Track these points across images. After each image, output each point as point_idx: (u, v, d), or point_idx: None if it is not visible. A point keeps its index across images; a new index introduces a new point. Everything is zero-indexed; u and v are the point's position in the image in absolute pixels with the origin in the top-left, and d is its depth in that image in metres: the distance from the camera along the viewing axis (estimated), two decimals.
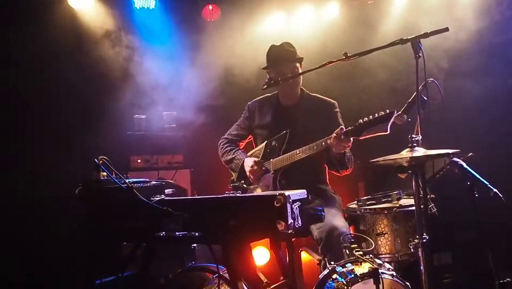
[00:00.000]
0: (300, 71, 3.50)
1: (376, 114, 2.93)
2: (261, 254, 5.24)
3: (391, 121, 2.87)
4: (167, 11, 5.42)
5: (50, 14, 4.76)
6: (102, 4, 5.12)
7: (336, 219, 3.13)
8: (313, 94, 3.67)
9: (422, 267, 2.63)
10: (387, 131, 2.88)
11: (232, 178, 3.71)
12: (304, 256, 4.07)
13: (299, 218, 2.30)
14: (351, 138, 3.04)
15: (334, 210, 3.28)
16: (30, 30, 4.58)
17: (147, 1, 5.32)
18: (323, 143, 3.14)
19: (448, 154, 2.56)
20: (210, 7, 5.62)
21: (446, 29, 2.73)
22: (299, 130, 3.43)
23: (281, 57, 3.50)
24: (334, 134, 3.05)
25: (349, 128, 3.03)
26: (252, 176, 3.52)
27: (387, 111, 2.89)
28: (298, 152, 3.28)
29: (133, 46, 5.17)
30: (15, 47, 4.52)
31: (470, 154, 3.28)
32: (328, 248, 2.99)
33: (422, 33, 2.73)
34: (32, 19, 4.59)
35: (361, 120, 2.98)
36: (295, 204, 2.28)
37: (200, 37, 5.37)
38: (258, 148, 3.67)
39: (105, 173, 2.82)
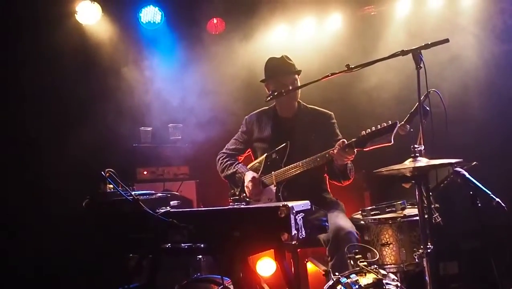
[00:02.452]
0: (299, 83, 3.53)
1: (379, 125, 2.96)
2: (267, 265, 5.24)
3: (395, 131, 2.90)
4: (172, 25, 5.50)
5: (58, 29, 4.84)
6: (109, 19, 5.21)
7: (341, 220, 3.17)
8: (310, 106, 3.70)
9: (427, 278, 2.63)
10: (390, 142, 2.91)
11: (231, 191, 3.68)
12: (310, 266, 4.07)
13: (303, 229, 2.31)
14: (355, 150, 3.07)
15: (337, 212, 3.32)
16: (38, 44, 4.66)
17: (153, 15, 5.41)
18: (327, 155, 3.16)
19: (451, 163, 2.57)
20: (215, 20, 5.69)
21: (447, 40, 2.77)
22: (298, 142, 3.46)
23: (282, 68, 3.54)
24: (338, 146, 3.07)
25: (353, 139, 3.06)
26: (247, 192, 3.51)
27: (390, 122, 2.93)
28: (300, 164, 3.30)
29: (140, 59, 5.24)
30: (23, 61, 4.60)
31: (474, 163, 3.29)
32: (336, 249, 3.02)
33: (423, 44, 2.77)
34: (41, 34, 4.67)
35: (364, 131, 3.01)
36: (298, 215, 2.30)
37: (205, 50, 5.43)
38: (258, 160, 3.68)
39: (111, 186, 2.86)
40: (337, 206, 3.46)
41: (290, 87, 3.44)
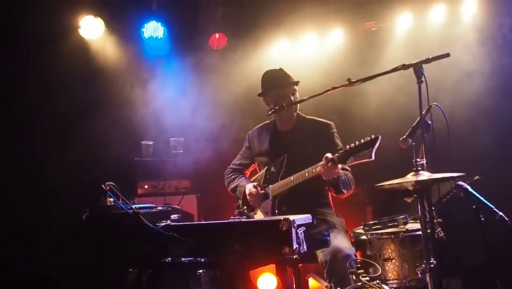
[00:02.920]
0: (297, 94, 3.53)
1: (362, 140, 2.93)
2: (268, 281, 5.20)
3: (376, 147, 2.86)
4: (175, 40, 5.55)
5: (61, 43, 4.89)
6: (112, 34, 5.26)
7: (340, 241, 3.11)
8: (308, 117, 3.69)
9: None
10: (371, 157, 2.87)
11: (237, 204, 3.74)
12: (312, 282, 4.03)
13: (304, 242, 2.30)
14: (339, 165, 3.04)
15: (336, 232, 3.25)
16: (41, 58, 4.70)
17: (155, 30, 5.46)
18: (313, 170, 3.15)
19: (453, 177, 2.56)
20: (217, 35, 5.75)
21: (447, 55, 2.78)
22: (296, 154, 3.44)
23: (281, 79, 3.54)
24: (321, 162, 3.06)
25: (336, 155, 3.03)
26: (251, 200, 3.53)
27: (373, 136, 2.90)
28: (292, 179, 3.30)
29: (142, 74, 5.28)
30: (28, 73, 4.64)
31: (477, 177, 3.28)
32: (334, 272, 2.97)
33: (424, 58, 2.78)
34: (44, 48, 4.71)
35: (348, 146, 3.00)
36: (300, 228, 2.28)
37: (207, 65, 5.47)
38: (259, 174, 3.71)
39: (112, 199, 2.85)
40: (335, 224, 3.38)
41: (292, 98, 3.45)
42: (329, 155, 3.05)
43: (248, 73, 5.25)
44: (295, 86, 3.56)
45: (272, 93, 3.55)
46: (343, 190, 3.26)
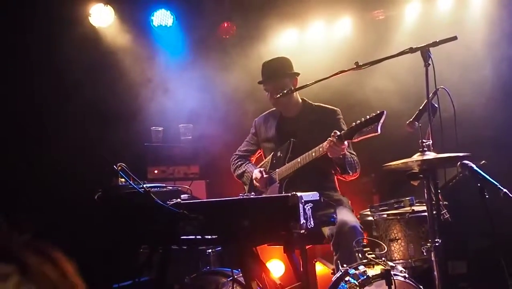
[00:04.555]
0: (291, 86, 3.53)
1: (367, 116, 2.98)
2: (275, 267, 5.25)
3: (381, 121, 2.91)
4: (184, 29, 5.59)
5: (72, 31, 4.94)
6: (122, 22, 5.30)
7: (344, 215, 3.17)
8: (315, 103, 3.72)
9: (435, 272, 2.64)
10: (377, 131, 2.92)
11: (245, 190, 3.77)
12: (319, 268, 4.07)
13: (311, 218, 2.35)
14: (345, 142, 3.09)
15: (342, 207, 3.31)
16: (52, 46, 4.77)
17: (165, 19, 5.51)
18: (320, 149, 3.19)
19: (458, 157, 2.59)
20: (226, 24, 5.79)
21: (455, 38, 2.79)
22: (302, 139, 3.48)
23: (272, 73, 3.60)
24: (328, 139, 3.11)
25: (342, 132, 3.09)
26: (258, 184, 3.58)
27: (378, 112, 2.95)
28: (299, 160, 3.34)
29: (152, 62, 5.33)
30: (38, 61, 4.71)
31: (483, 162, 3.30)
32: (340, 244, 3.03)
33: (431, 42, 2.80)
34: (54, 36, 4.78)
35: (354, 122, 3.04)
36: (307, 205, 2.33)
37: (216, 53, 5.51)
38: (266, 160, 3.76)
39: (123, 179, 2.92)
40: (341, 202, 3.45)
41: (280, 92, 3.45)
42: (336, 131, 3.11)
43: (257, 60, 5.24)
44: (288, 79, 3.57)
45: (267, 84, 3.63)
46: (349, 171, 3.30)
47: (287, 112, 3.72)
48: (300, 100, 3.70)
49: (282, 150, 3.55)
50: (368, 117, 2.97)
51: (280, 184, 3.48)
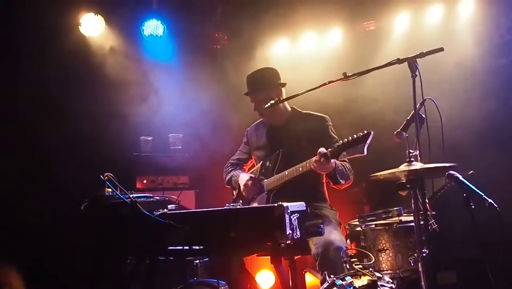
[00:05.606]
0: (274, 96, 3.51)
1: (355, 135, 2.95)
2: (266, 278, 5.23)
3: (368, 142, 2.88)
4: (175, 38, 5.61)
5: (62, 41, 4.94)
6: (113, 31, 5.31)
7: (331, 234, 3.12)
8: (304, 111, 3.72)
9: (423, 283, 2.63)
10: (363, 153, 2.89)
11: (233, 196, 3.77)
12: (310, 279, 4.05)
13: (297, 229, 2.33)
14: (332, 160, 3.08)
15: (328, 225, 3.25)
16: (42, 56, 4.75)
17: (156, 29, 5.52)
18: (307, 164, 3.18)
19: (445, 167, 2.60)
20: (217, 34, 5.81)
21: (441, 49, 2.81)
22: (291, 148, 3.48)
23: (255, 85, 3.62)
24: (315, 158, 3.09)
25: (329, 150, 3.06)
26: (245, 191, 3.56)
27: (365, 132, 2.92)
28: (286, 173, 3.33)
29: (142, 71, 5.32)
30: (28, 70, 4.69)
31: (471, 172, 3.31)
32: (326, 264, 2.99)
33: (418, 53, 2.82)
34: (44, 45, 4.77)
35: (341, 141, 3.03)
36: (293, 215, 2.32)
37: (207, 63, 5.53)
38: (255, 168, 3.76)
39: (110, 189, 2.90)
40: (328, 217, 3.38)
41: (263, 104, 3.44)
42: (322, 150, 3.08)
43: (248, 71, 5.25)
44: (271, 91, 3.56)
45: (250, 96, 3.66)
46: (341, 181, 3.28)
47: (275, 121, 3.73)
48: (290, 109, 3.70)
49: (271, 160, 3.55)
50: (355, 136, 2.94)
51: (267, 195, 3.47)
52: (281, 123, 3.70)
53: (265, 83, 3.60)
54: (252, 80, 3.67)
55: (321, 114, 3.68)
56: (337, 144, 3.04)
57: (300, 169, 3.22)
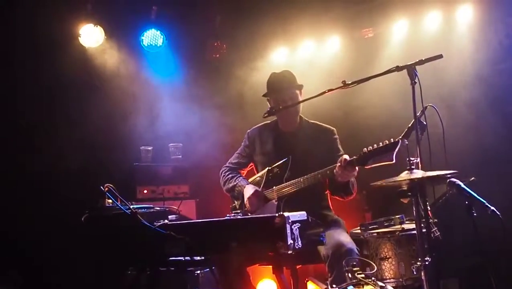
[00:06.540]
0: (300, 98, 3.55)
1: (381, 143, 2.92)
2: (268, 287, 5.20)
3: (396, 150, 2.86)
4: (174, 48, 5.62)
5: (61, 52, 4.95)
6: (112, 42, 5.32)
7: (342, 236, 3.13)
8: (311, 121, 3.70)
9: None
10: (392, 160, 2.86)
11: (233, 205, 3.68)
12: (311, 288, 4.02)
13: (299, 239, 2.32)
14: (356, 168, 3.06)
15: (339, 229, 3.27)
16: (41, 67, 4.77)
17: (155, 38, 5.53)
18: (328, 172, 3.14)
19: (446, 175, 2.59)
20: (216, 43, 5.82)
21: (440, 56, 2.81)
22: (300, 156, 3.44)
23: (281, 83, 3.56)
24: (339, 163, 3.06)
25: (354, 157, 3.03)
26: (248, 205, 3.48)
27: (392, 140, 2.90)
28: (302, 180, 3.28)
29: (141, 81, 5.34)
30: (28, 81, 4.70)
31: (472, 178, 3.30)
32: (335, 265, 2.97)
33: (417, 60, 2.82)
34: (44, 56, 4.78)
35: (366, 148, 2.98)
36: (294, 225, 2.31)
37: (206, 72, 5.54)
38: (259, 174, 3.66)
39: (110, 200, 2.89)
40: (338, 224, 3.41)
41: (289, 102, 3.46)
42: (346, 157, 3.05)
43: (246, 79, 5.31)
44: (296, 90, 3.56)
45: (272, 96, 3.59)
46: (352, 192, 3.32)
47: (286, 126, 3.67)
48: (298, 116, 3.66)
49: (280, 167, 3.47)
50: (381, 144, 2.92)
51: (278, 202, 3.39)
52: (290, 129, 3.65)
53: (291, 82, 3.57)
54: (276, 78, 3.61)
55: (329, 126, 3.65)
56: (363, 151, 3.00)
57: (319, 176, 3.19)
